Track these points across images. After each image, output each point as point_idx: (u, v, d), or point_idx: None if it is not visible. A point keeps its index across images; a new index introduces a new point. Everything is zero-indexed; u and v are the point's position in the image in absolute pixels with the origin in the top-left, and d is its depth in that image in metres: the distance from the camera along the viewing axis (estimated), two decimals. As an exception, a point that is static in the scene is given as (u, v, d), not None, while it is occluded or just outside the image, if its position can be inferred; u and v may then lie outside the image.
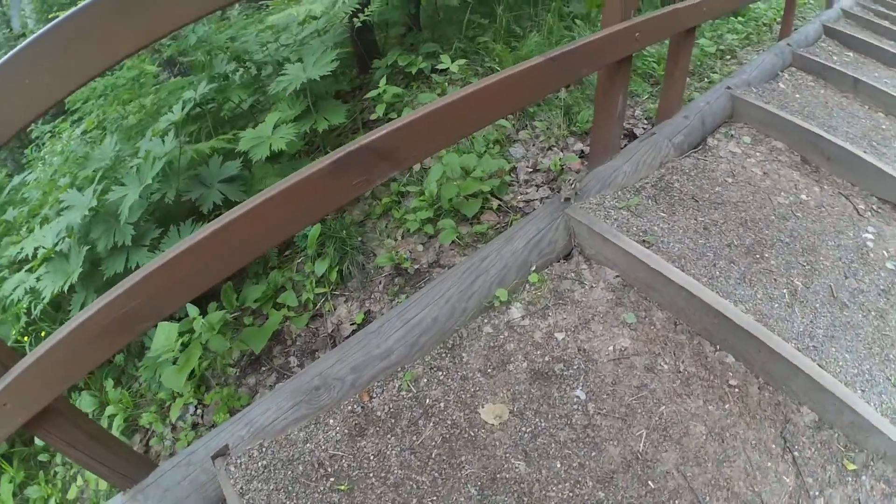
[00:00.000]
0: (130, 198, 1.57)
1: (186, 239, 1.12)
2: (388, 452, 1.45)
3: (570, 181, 1.93)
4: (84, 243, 1.59)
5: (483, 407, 1.53)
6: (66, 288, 1.54)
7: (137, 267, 1.68)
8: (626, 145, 2.20)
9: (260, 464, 1.43)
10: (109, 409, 1.79)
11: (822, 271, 1.76)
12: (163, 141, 1.75)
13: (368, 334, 1.65)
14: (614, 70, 1.79)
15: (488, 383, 1.58)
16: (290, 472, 1.41)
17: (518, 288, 1.82)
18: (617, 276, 1.83)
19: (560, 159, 2.29)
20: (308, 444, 1.47)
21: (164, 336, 1.60)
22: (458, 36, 2.89)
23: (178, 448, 1.68)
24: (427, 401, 1.56)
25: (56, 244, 1.60)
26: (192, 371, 1.75)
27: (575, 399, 1.52)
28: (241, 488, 1.38)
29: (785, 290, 1.62)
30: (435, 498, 1.35)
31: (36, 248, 1.65)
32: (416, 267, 2.10)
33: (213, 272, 1.17)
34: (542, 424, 1.47)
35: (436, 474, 1.40)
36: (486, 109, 1.43)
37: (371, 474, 1.41)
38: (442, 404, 1.55)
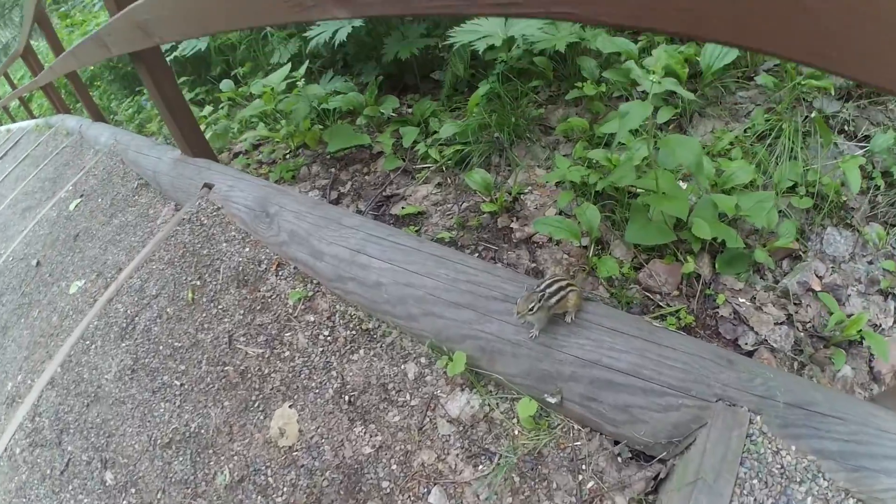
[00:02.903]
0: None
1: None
2: (225, 320, 1.25)
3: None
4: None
5: (288, 409, 1.07)
6: None
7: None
8: None
9: (203, 220, 1.48)
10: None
11: None
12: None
13: (346, 228, 1.24)
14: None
15: (327, 402, 1.06)
16: (199, 246, 1.43)
17: (503, 387, 0.97)
18: None
19: (864, 325, 0.75)
20: (223, 245, 1.40)
21: (278, 77, 1.66)
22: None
23: (234, 164, 1.90)
24: (292, 320, 1.20)
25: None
26: (302, 122, 1.78)
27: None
28: (184, 218, 1.50)
29: None
30: (178, 390, 1.17)
31: None
32: (511, 226, 1.33)
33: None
34: (272, 481, 0.96)
35: (197, 384, 1.17)
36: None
37: (203, 312, 1.28)
38: (287, 354, 1.16)
